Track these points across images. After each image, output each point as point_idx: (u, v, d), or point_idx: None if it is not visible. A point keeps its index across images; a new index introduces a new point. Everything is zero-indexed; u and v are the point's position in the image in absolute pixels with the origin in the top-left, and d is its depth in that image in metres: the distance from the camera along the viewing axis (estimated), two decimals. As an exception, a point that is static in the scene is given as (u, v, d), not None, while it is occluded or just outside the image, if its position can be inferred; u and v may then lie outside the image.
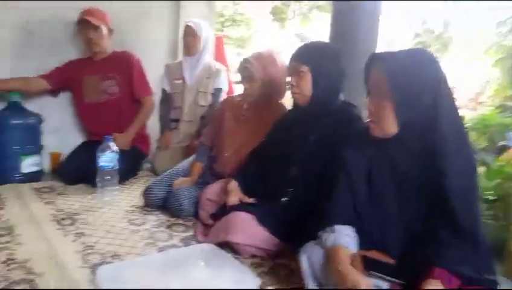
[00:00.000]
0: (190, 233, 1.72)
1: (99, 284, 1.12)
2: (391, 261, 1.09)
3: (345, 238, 1.07)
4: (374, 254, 1.10)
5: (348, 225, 1.11)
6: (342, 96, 1.57)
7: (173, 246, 1.58)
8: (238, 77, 2.07)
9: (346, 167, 1.16)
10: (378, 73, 1.09)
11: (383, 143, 1.12)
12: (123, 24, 2.64)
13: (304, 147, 1.51)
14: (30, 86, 2.35)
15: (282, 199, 1.53)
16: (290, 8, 7.78)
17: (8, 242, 1.51)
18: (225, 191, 1.67)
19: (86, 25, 2.36)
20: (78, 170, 2.30)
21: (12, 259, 1.38)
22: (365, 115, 1.51)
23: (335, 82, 1.52)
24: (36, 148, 2.38)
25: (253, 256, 1.50)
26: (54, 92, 2.54)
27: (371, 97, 1.13)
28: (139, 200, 2.08)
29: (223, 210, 1.61)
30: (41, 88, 2.41)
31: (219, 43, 3.42)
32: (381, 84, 1.07)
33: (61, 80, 2.47)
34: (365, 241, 1.11)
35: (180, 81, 2.68)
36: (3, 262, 1.35)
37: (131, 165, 2.46)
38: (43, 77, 2.41)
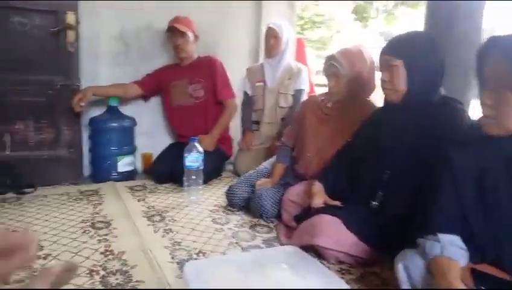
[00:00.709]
0: (273, 234, 1.69)
1: (186, 279, 1.14)
2: (507, 277, 0.93)
3: (452, 249, 0.94)
4: (485, 268, 0.96)
5: (454, 233, 0.97)
6: (442, 91, 1.41)
7: (256, 246, 1.56)
8: (319, 79, 2.00)
9: (452, 168, 1.02)
10: (499, 60, 0.93)
11: (498, 142, 0.97)
12: (206, 26, 2.73)
13: (398, 147, 1.38)
14: (126, 92, 2.54)
15: (372, 203, 1.42)
16: (373, 6, 7.45)
17: (106, 235, 1.63)
18: (309, 193, 1.61)
19: (173, 32, 2.49)
20: (166, 170, 2.42)
21: (110, 251, 1.47)
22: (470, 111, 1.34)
23: (433, 76, 1.36)
24: (131, 149, 2.56)
25: (340, 262, 1.41)
26: (145, 97, 2.72)
27: (487, 89, 0.97)
28: (222, 200, 2.11)
29: (306, 213, 1.55)
30: (135, 94, 2.60)
31: (300, 45, 3.38)
32: (504, 73, 0.91)
33: (152, 86, 2.64)
34: (474, 253, 0.97)
35: (261, 84, 2.70)
36: (102, 253, 1.45)
37: (214, 165, 2.53)
38: (137, 83, 2.59)
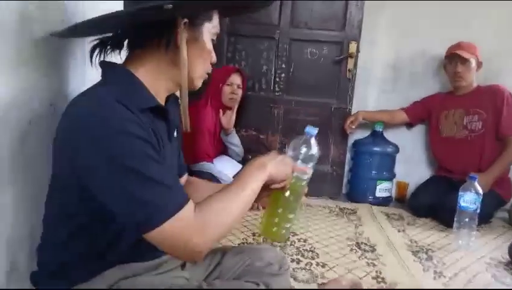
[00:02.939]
0: None
1: None
2: None
3: None
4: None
5: None
6: None
7: None
8: None
9: None
10: None
11: None
12: (489, 52, 2.41)
13: None
14: (393, 118, 2.55)
15: None
16: None
17: (373, 260, 1.64)
18: None
19: (454, 58, 2.32)
20: (427, 204, 2.28)
21: (382, 278, 1.47)
22: None
23: None
24: (390, 175, 2.55)
25: None
26: (410, 125, 2.65)
27: None
28: (499, 254, 1.81)
29: None
30: (401, 120, 2.57)
31: None
32: None
33: (419, 114, 2.56)
34: None
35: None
36: (374, 278, 1.47)
37: (486, 210, 2.17)
38: (404, 110, 2.56)
